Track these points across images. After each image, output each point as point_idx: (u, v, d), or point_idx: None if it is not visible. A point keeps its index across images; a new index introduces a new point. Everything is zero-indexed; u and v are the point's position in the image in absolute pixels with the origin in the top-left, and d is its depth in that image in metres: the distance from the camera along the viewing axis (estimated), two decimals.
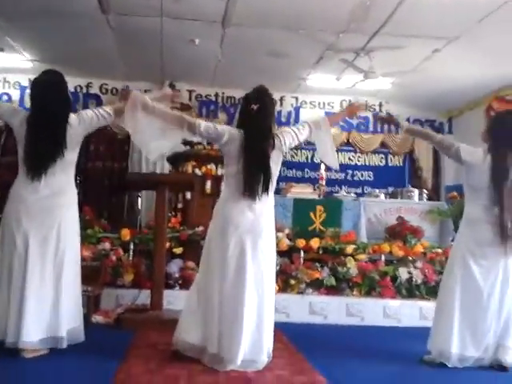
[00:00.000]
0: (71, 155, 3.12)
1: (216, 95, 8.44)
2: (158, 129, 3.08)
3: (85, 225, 5.07)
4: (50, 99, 3.04)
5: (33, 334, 2.89)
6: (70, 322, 3.06)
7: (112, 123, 3.34)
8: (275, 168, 3.08)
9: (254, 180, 2.96)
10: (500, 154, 3.23)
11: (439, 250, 5.24)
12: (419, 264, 4.98)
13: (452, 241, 5.71)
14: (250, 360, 2.87)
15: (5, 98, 7.97)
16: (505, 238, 3.15)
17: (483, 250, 3.21)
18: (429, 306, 4.60)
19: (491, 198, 3.20)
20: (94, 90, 8.28)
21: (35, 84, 3.16)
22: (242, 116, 3.15)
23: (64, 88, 3.20)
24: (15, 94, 8.00)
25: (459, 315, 3.18)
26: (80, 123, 3.12)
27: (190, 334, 2.96)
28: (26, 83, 8.02)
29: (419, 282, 4.84)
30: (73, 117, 3.14)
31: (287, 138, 3.12)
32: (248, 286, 2.90)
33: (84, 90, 8.24)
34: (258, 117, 3.02)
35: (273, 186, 3.09)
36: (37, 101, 3.10)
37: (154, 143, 3.10)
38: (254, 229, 2.96)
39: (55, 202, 3.04)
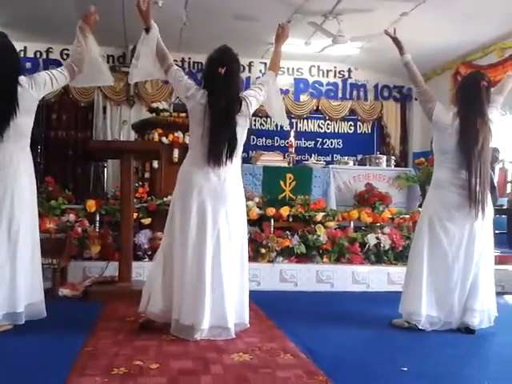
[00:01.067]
0: (24, 120, 2.95)
1: (182, 61, 8.23)
2: (151, 57, 3.04)
3: (48, 196, 4.93)
4: None
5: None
6: (27, 297, 2.95)
7: (71, 81, 3.19)
8: (242, 132, 2.99)
9: (218, 148, 2.88)
10: (468, 117, 3.21)
11: (407, 216, 5.31)
12: (387, 230, 5.03)
13: (419, 206, 5.81)
14: (217, 327, 2.84)
15: None
16: (473, 201, 3.17)
17: (450, 213, 3.23)
18: (396, 270, 4.70)
19: (459, 162, 3.21)
20: (55, 55, 7.95)
21: None
22: (207, 80, 3.00)
23: (9, 47, 3.03)
24: None
25: (427, 278, 3.23)
26: (33, 87, 2.96)
27: (156, 302, 2.92)
28: None
29: (387, 247, 4.90)
30: (24, 79, 2.97)
31: (253, 102, 3.04)
32: (208, 251, 2.84)
33: (44, 56, 7.90)
34: (225, 80, 2.89)
35: (239, 151, 3.01)
36: None
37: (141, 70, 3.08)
38: (218, 194, 2.89)
39: (4, 172, 2.88)
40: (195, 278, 2.83)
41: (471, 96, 3.25)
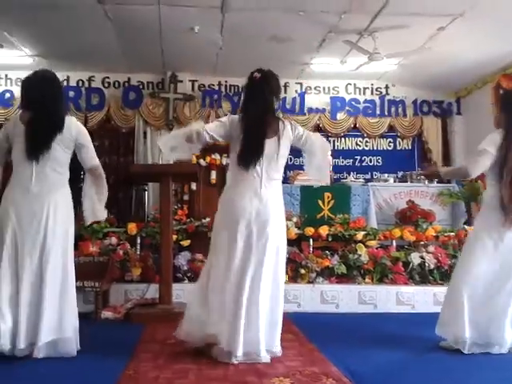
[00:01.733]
0: (62, 153, 2.98)
1: (219, 84, 8.34)
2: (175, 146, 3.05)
3: None
4: (43, 95, 2.96)
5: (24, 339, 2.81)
6: (51, 332, 2.84)
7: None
8: (284, 150, 2.98)
9: (249, 148, 2.89)
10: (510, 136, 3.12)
11: (452, 234, 5.13)
12: (431, 248, 4.87)
13: (465, 223, 5.62)
14: (253, 352, 2.80)
15: (7, 95, 7.92)
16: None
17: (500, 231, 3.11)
18: (443, 291, 4.48)
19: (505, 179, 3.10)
20: (97, 83, 8.20)
21: (28, 81, 3.07)
22: (245, 89, 3.08)
23: (57, 84, 3.13)
24: (17, 91, 7.94)
25: (472, 300, 3.10)
26: (77, 134, 3.04)
27: (196, 326, 2.89)
28: None
29: (432, 266, 4.74)
30: (75, 122, 3.07)
31: (299, 128, 3.07)
32: (248, 277, 2.81)
33: (86, 84, 8.16)
34: (260, 85, 2.97)
35: (280, 171, 3.00)
36: (30, 97, 3.01)
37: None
38: (261, 216, 2.87)
39: (41, 202, 2.91)
40: (233, 305, 2.80)
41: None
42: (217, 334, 2.81)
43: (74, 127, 3.03)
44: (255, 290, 2.81)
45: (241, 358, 2.78)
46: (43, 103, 2.95)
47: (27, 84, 3.06)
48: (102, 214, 3.20)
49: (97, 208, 3.13)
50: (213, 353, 2.85)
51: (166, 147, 3.08)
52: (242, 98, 3.11)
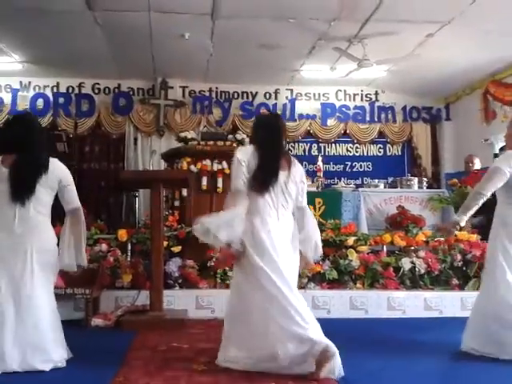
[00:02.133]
0: (46, 196, 2.96)
1: (210, 90, 8.36)
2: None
3: None
4: (26, 138, 2.96)
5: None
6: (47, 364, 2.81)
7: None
8: (292, 187, 3.00)
9: (267, 171, 2.93)
10: None
11: (442, 239, 5.15)
12: (422, 253, 4.89)
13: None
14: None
15: None
16: None
17: None
18: (433, 295, 4.55)
19: None
20: (87, 89, 8.20)
21: (9, 125, 3.13)
22: (255, 125, 3.27)
23: (38, 126, 3.16)
24: (7, 98, 7.90)
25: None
26: (61, 179, 3.00)
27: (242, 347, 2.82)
28: (17, 86, 7.95)
29: (422, 271, 4.75)
30: (59, 165, 3.03)
31: (303, 174, 3.11)
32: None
33: (76, 91, 8.15)
34: (271, 117, 3.23)
35: (292, 203, 3.01)
36: (12, 141, 2.96)
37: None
38: (282, 236, 2.92)
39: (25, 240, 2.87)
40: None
41: None
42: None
43: (58, 169, 3.01)
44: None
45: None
46: (26, 146, 2.94)
47: (8, 127, 3.08)
48: (83, 260, 3.09)
49: (74, 255, 3.05)
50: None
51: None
52: (255, 131, 3.18)
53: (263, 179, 2.93)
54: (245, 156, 2.97)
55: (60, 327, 2.95)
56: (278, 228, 2.92)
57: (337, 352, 2.67)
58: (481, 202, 3.19)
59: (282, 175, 2.98)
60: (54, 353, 2.85)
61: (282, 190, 2.96)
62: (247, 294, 2.85)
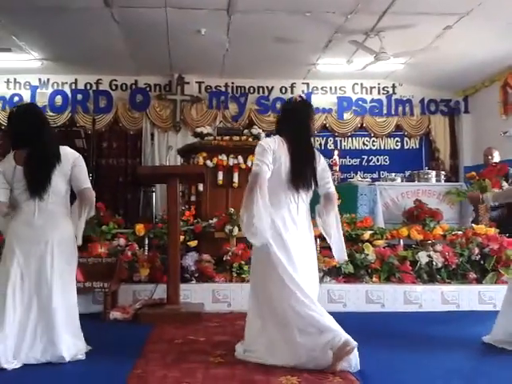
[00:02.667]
0: (61, 184, 3.00)
1: (226, 86, 8.38)
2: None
3: (99, 221, 5.08)
4: (33, 130, 2.99)
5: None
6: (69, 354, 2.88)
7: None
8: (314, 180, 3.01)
9: (302, 167, 2.92)
10: None
11: (459, 232, 5.11)
12: (439, 247, 4.85)
13: (473, 222, 5.60)
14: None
15: (16, 98, 8.00)
16: None
17: None
18: (450, 289, 4.52)
19: None
20: (104, 86, 8.29)
21: (15, 118, 3.08)
22: (284, 111, 3.15)
23: (43, 116, 3.18)
24: (26, 95, 8.03)
25: None
26: (73, 164, 3.03)
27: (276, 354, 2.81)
28: (36, 83, 8.07)
29: (440, 265, 4.72)
30: (70, 151, 3.07)
31: (325, 164, 3.11)
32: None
33: (94, 87, 8.25)
34: (302, 105, 3.09)
35: (309, 197, 3.02)
36: (21, 135, 3.01)
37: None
38: (299, 228, 2.94)
39: (44, 232, 2.93)
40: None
41: None
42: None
43: (71, 157, 3.04)
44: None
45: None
46: (37, 139, 2.97)
47: (15, 121, 3.06)
48: (78, 240, 3.09)
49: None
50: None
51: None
52: (284, 120, 3.09)
53: (296, 183, 2.89)
54: (272, 144, 2.90)
55: (77, 319, 3.01)
56: (298, 222, 2.92)
57: (356, 346, 2.68)
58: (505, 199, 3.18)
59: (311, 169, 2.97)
60: (72, 345, 2.91)
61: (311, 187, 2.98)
62: (269, 289, 2.86)
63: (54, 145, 3.03)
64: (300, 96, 3.05)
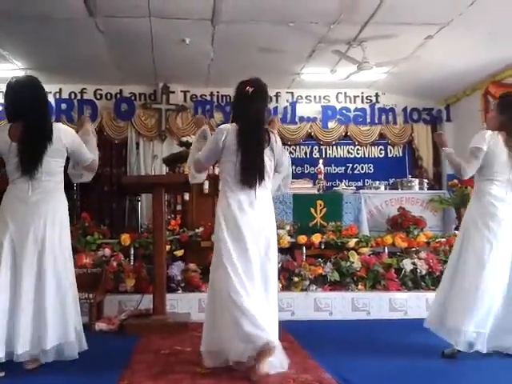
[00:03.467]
0: (55, 161, 3.01)
1: (211, 95, 8.40)
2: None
3: (84, 232, 5.05)
4: (30, 106, 2.97)
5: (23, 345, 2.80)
6: (56, 337, 2.89)
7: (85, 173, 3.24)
8: (269, 163, 3.00)
9: (250, 165, 2.89)
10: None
11: (443, 240, 5.18)
12: (423, 254, 4.91)
13: (456, 229, 5.68)
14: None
15: None
16: None
17: (493, 224, 3.17)
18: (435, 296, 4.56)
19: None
20: (89, 95, 8.25)
21: (12, 90, 3.04)
22: (236, 101, 3.08)
23: (42, 91, 3.12)
24: None
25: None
26: (65, 137, 3.04)
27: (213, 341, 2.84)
28: None
29: (424, 272, 4.78)
30: (62, 127, 3.08)
31: (279, 143, 3.08)
32: (255, 282, 2.81)
33: (78, 97, 8.21)
34: (253, 99, 2.95)
35: (270, 180, 3.01)
36: (17, 109, 3.00)
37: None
38: (256, 226, 2.88)
39: (39, 209, 2.95)
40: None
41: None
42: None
43: (64, 136, 3.02)
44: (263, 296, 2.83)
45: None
46: (32, 114, 2.96)
47: (17, 89, 3.01)
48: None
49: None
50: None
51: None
52: (234, 110, 3.13)
53: (248, 177, 2.88)
54: (225, 132, 2.93)
55: (72, 302, 3.01)
56: (256, 206, 2.89)
57: (276, 347, 2.69)
58: (460, 164, 3.36)
59: (266, 156, 2.95)
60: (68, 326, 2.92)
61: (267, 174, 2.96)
62: (215, 278, 2.88)
63: (47, 123, 3.02)
64: (251, 83, 3.01)
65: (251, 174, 2.89)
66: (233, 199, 2.90)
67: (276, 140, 3.03)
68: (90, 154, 3.17)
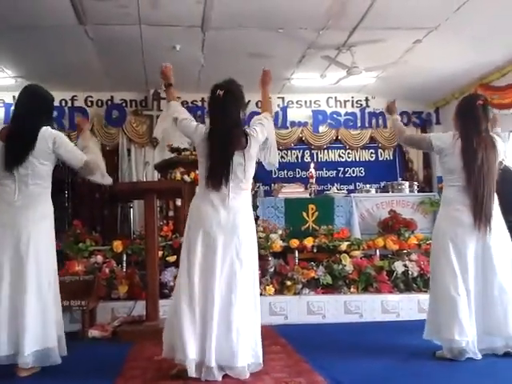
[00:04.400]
0: (42, 165, 3.03)
1: (202, 100, 8.40)
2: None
3: (76, 239, 5.04)
4: (20, 109, 3.12)
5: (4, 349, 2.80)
6: (36, 342, 2.85)
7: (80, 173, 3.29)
8: (251, 161, 2.99)
9: (217, 167, 2.89)
10: (466, 136, 3.25)
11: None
12: (414, 256, 4.96)
13: None
14: (228, 366, 2.76)
15: None
16: (478, 217, 3.16)
17: (457, 230, 3.19)
18: (426, 298, 4.54)
19: (464, 180, 3.23)
20: (80, 103, 8.24)
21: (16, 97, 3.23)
22: (209, 105, 3.10)
23: (40, 94, 3.21)
24: (0, 112, 7.94)
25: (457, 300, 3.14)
26: (54, 143, 3.05)
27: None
28: (10, 100, 7.97)
29: (415, 274, 4.82)
30: (51, 132, 3.08)
31: (258, 128, 3.04)
32: (217, 286, 2.79)
33: (69, 104, 8.19)
34: (224, 102, 2.94)
35: (249, 181, 3.01)
36: (13, 113, 3.18)
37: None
38: (228, 227, 2.87)
39: (24, 215, 2.96)
40: (205, 316, 2.77)
41: (468, 116, 3.31)
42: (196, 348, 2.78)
43: (50, 138, 3.03)
44: (228, 304, 2.80)
45: (214, 372, 2.73)
46: (20, 118, 3.07)
47: (15, 100, 3.23)
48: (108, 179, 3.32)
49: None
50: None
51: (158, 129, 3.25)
52: (208, 113, 3.14)
53: (214, 179, 2.88)
54: (196, 128, 3.00)
55: (53, 308, 2.98)
56: (229, 206, 2.88)
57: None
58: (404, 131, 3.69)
59: (238, 157, 2.93)
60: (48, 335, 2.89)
61: (235, 173, 2.92)
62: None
63: (34, 125, 3.03)
64: (222, 87, 3.02)
65: (217, 175, 2.89)
66: (204, 199, 2.92)
67: (254, 140, 2.98)
68: (81, 157, 3.14)
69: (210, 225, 2.87)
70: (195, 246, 2.86)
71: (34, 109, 3.08)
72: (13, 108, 3.27)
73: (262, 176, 6.61)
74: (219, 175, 2.89)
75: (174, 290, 3.01)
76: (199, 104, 8.41)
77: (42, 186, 3.05)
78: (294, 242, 5.03)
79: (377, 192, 6.69)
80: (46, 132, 3.06)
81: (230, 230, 2.87)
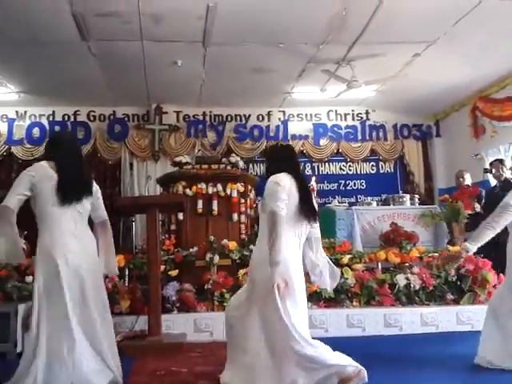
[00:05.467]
0: (88, 206, 3.24)
1: (203, 114, 8.48)
2: None
3: None
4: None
5: None
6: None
7: None
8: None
9: (313, 208, 3.11)
10: None
11: (435, 254, 5.21)
12: (416, 269, 4.94)
13: (448, 243, 5.72)
14: None
15: None
16: None
17: None
18: (429, 311, 4.59)
19: None
20: (82, 117, 8.30)
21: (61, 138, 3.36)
22: (281, 159, 3.14)
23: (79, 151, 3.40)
24: (3, 127, 8.00)
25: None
26: (96, 194, 3.28)
27: None
28: (13, 115, 8.04)
29: (417, 287, 4.80)
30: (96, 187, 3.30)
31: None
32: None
33: (72, 119, 8.25)
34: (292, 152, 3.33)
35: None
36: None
37: None
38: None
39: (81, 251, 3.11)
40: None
41: None
42: None
43: (95, 187, 3.27)
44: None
45: None
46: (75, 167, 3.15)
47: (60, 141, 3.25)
48: (115, 270, 3.45)
49: (111, 262, 3.35)
50: None
51: None
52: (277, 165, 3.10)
53: (306, 214, 3.03)
54: (287, 183, 2.94)
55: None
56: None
57: None
58: (491, 234, 3.19)
59: None
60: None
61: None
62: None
63: (88, 174, 3.38)
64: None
65: (312, 214, 3.15)
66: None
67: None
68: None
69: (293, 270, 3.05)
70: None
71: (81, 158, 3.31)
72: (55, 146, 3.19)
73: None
74: (313, 216, 3.18)
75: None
76: (200, 118, 8.47)
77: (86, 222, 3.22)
78: None
79: (378, 205, 6.70)
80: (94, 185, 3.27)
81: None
